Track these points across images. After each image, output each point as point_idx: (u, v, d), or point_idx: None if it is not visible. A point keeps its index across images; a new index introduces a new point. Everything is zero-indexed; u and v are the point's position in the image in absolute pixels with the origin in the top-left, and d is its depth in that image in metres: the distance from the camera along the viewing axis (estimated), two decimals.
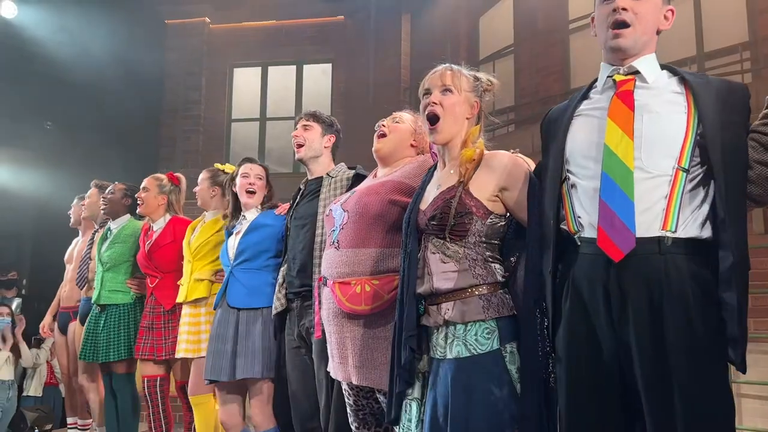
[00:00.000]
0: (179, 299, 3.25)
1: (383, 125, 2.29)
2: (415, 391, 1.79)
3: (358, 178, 2.52)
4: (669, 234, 1.43)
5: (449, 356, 1.69)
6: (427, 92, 1.87)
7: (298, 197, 2.78)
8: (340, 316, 2.08)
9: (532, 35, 7.04)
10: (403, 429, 1.79)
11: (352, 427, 2.16)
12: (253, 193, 3.01)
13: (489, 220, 1.73)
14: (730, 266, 1.39)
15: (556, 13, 6.86)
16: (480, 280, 1.70)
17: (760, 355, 4.10)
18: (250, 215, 3.04)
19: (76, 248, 4.31)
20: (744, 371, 1.43)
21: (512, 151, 1.86)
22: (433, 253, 1.76)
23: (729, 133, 1.46)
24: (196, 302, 3.19)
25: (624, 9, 1.53)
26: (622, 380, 1.46)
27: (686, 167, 1.45)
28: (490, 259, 1.74)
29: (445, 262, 1.73)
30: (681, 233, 1.43)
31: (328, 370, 2.20)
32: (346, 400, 2.15)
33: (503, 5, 7.59)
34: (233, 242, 2.98)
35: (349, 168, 2.69)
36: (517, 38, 7.33)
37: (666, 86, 1.55)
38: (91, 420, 4.02)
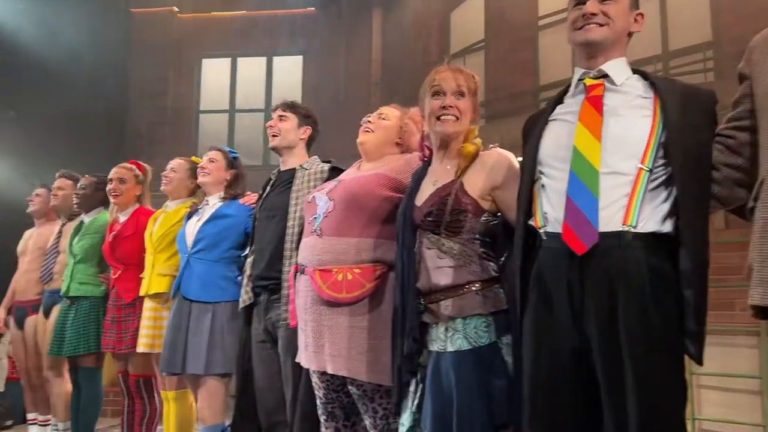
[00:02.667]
0: (141, 292, 3.18)
1: (369, 121, 2.30)
2: (411, 384, 1.85)
3: (334, 171, 2.51)
4: (630, 229, 1.48)
5: (450, 349, 1.76)
6: (440, 93, 1.89)
7: (269, 188, 2.73)
8: (318, 303, 2.06)
9: (503, 31, 7.09)
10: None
11: (321, 420, 2.15)
12: (205, 174, 3.01)
13: (483, 218, 1.80)
14: (690, 265, 1.46)
15: (526, 9, 6.92)
16: (475, 277, 1.77)
17: (719, 347, 4.21)
18: (213, 201, 3.02)
19: (31, 240, 4.17)
20: (701, 364, 1.49)
21: (491, 146, 1.91)
22: (429, 248, 1.82)
23: (692, 137, 1.53)
24: (157, 296, 3.12)
25: (593, 14, 1.61)
26: (583, 372, 1.50)
27: (649, 167, 1.51)
28: (484, 256, 1.81)
29: (441, 258, 1.79)
30: (641, 228, 1.49)
31: (296, 361, 2.19)
32: (316, 392, 2.14)
33: (474, 1, 7.63)
34: (193, 228, 2.94)
35: (323, 162, 2.66)
36: (487, 34, 7.38)
37: (635, 90, 1.62)
38: (51, 416, 3.93)
